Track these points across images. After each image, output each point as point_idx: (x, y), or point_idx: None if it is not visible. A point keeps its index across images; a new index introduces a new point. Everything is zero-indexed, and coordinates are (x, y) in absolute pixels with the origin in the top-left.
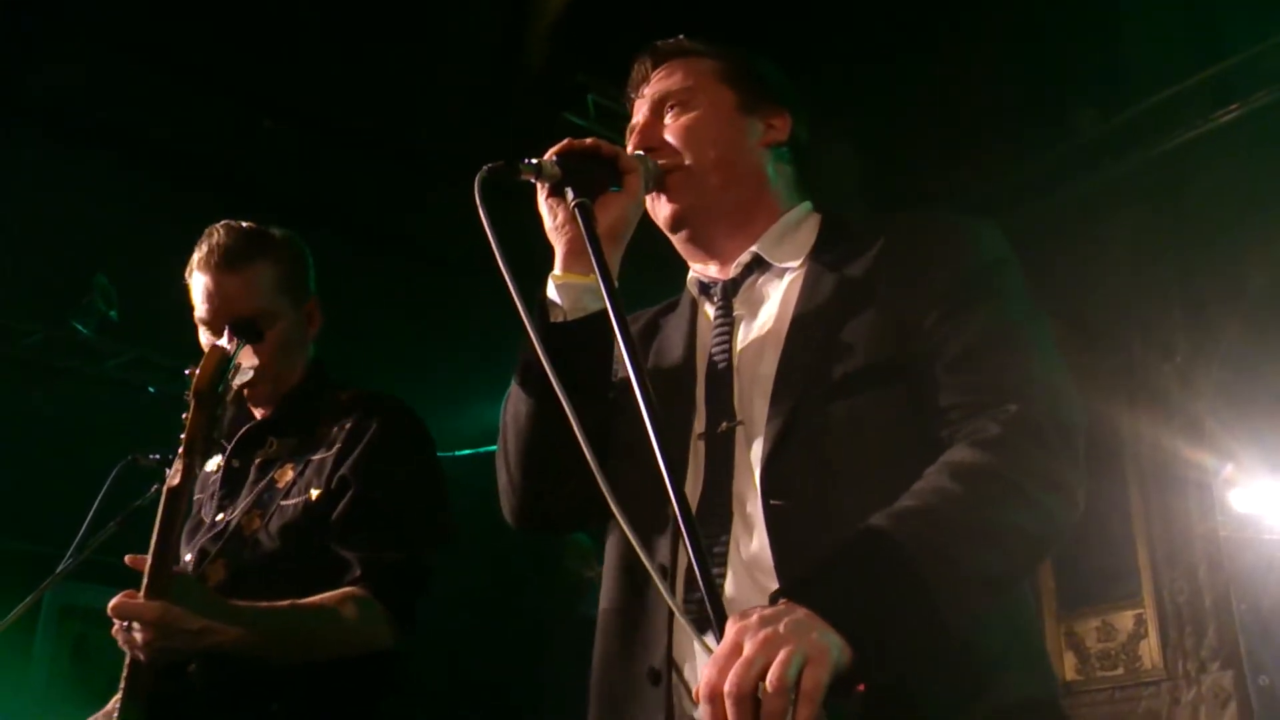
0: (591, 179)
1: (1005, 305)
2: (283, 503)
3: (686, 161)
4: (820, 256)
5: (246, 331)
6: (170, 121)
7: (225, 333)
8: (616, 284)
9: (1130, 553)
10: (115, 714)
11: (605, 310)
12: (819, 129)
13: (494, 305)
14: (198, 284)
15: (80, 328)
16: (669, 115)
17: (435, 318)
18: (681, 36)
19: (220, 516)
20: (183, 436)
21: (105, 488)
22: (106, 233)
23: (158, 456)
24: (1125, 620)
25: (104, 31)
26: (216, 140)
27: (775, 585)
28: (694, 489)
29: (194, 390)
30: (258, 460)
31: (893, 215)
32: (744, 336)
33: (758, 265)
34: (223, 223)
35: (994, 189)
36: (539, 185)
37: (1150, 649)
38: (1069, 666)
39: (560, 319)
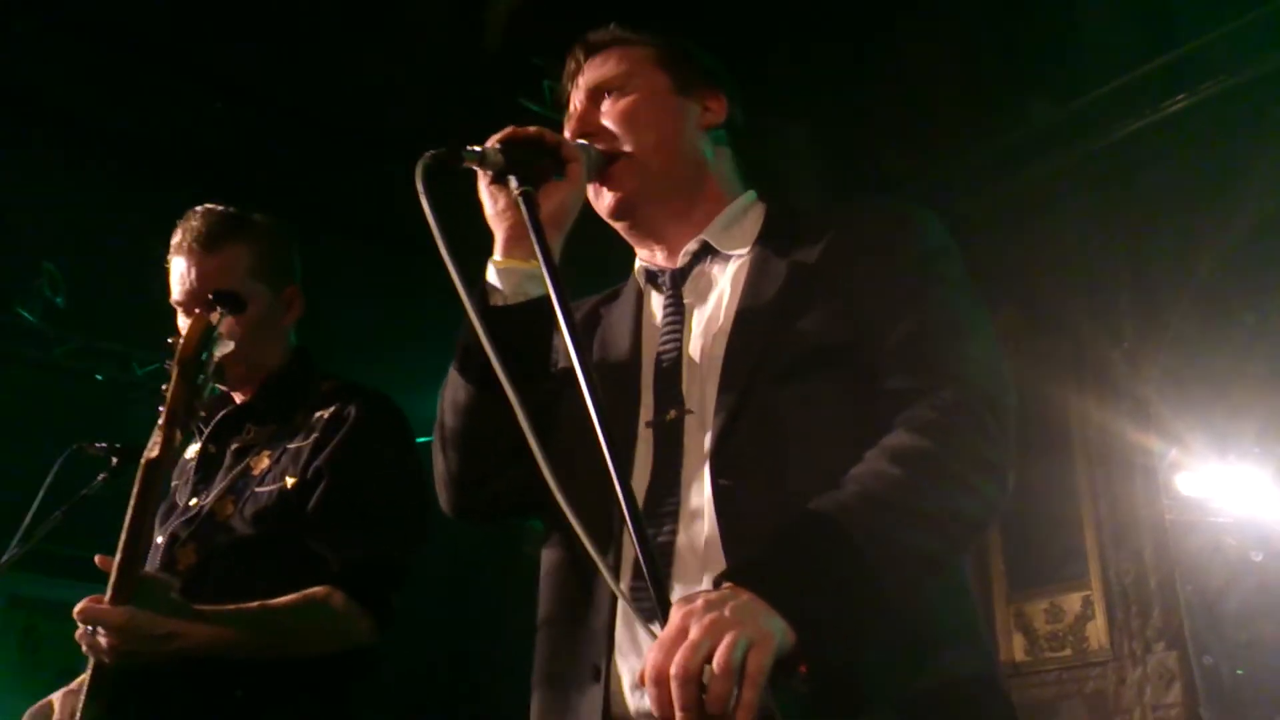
0: (534, 167)
1: (949, 293)
2: (257, 489)
3: (627, 147)
4: (767, 243)
5: (229, 302)
6: (122, 106)
7: (207, 302)
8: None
9: (1078, 535)
10: (80, 699)
11: (546, 296)
12: (777, 110)
13: (448, 290)
14: (174, 268)
15: (26, 315)
16: (606, 102)
17: (389, 301)
18: (613, 25)
19: (194, 501)
20: (163, 409)
21: (51, 476)
22: (55, 219)
23: (105, 445)
24: (1073, 602)
25: (53, 13)
26: (169, 124)
27: (723, 568)
28: (642, 477)
29: (177, 359)
30: (234, 446)
31: (839, 202)
32: (694, 325)
33: (706, 253)
34: (202, 206)
35: (948, 174)
36: (481, 172)
37: (1097, 630)
38: (1018, 647)
39: (501, 303)
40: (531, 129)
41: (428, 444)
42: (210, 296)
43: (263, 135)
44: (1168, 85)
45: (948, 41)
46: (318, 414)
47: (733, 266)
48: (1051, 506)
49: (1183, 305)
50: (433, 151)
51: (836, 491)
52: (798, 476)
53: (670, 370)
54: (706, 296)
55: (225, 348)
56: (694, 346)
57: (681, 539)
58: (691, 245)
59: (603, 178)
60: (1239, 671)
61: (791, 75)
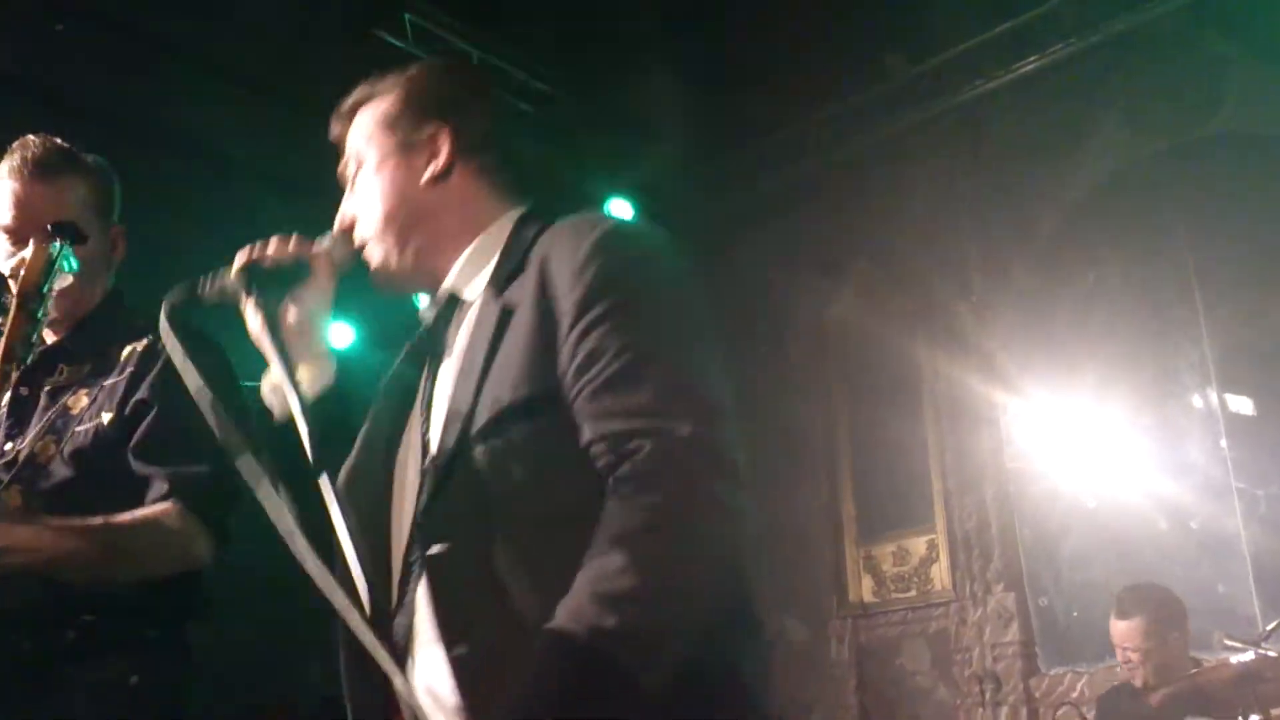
0: (278, 280)
1: (631, 325)
2: (77, 429)
3: (367, 233)
4: (492, 285)
5: (68, 232)
6: None
7: (44, 233)
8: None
9: (925, 482)
10: None
11: (318, 401)
12: (636, 61)
13: (283, 217)
14: (4, 190)
15: None
16: (351, 185)
17: (220, 226)
18: (362, 84)
19: (9, 446)
20: None
21: None
22: None
23: None
24: (919, 545)
25: None
26: (7, 44)
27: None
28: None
29: (19, 290)
30: (47, 387)
31: (556, 225)
32: (440, 375)
33: (452, 303)
34: (37, 135)
35: (805, 128)
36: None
37: (941, 572)
38: (866, 589)
39: (278, 421)
40: (272, 244)
41: (251, 389)
42: (49, 227)
43: (108, 60)
44: (1017, 47)
45: None
46: (130, 347)
47: (469, 313)
48: (900, 454)
49: (1026, 262)
50: (172, 298)
51: (573, 604)
52: (502, 538)
53: (426, 420)
54: (450, 347)
55: (64, 281)
56: (436, 397)
57: (411, 605)
58: (441, 295)
59: (359, 260)
60: (1074, 613)
61: (658, 22)
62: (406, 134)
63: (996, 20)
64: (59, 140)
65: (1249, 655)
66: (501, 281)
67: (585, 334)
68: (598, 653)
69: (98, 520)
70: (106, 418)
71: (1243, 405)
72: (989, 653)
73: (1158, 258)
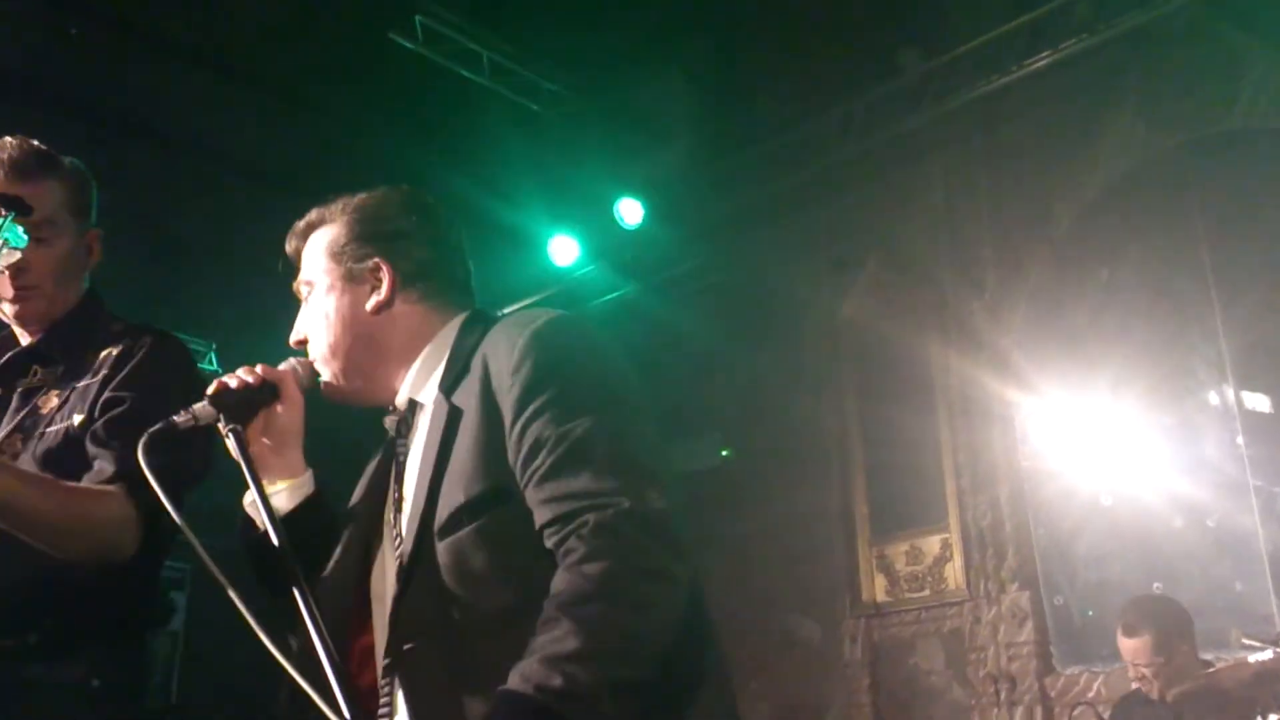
0: (248, 403)
1: (564, 416)
2: (46, 429)
3: (318, 354)
4: (443, 388)
5: (13, 205)
6: None
7: None
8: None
9: (939, 481)
10: None
11: (297, 512)
12: (652, 58)
13: (290, 218)
14: None
15: None
16: (305, 301)
17: (225, 227)
18: (316, 207)
19: None
20: None
21: None
22: None
23: None
24: (932, 544)
25: None
26: (21, 46)
27: None
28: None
29: None
30: (20, 389)
31: (495, 327)
32: (406, 477)
33: (412, 407)
34: (15, 138)
35: (819, 124)
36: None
37: (955, 571)
38: (879, 588)
39: (259, 532)
40: (239, 374)
41: None
42: None
43: (118, 63)
44: (1031, 43)
45: None
46: (106, 351)
47: (424, 417)
48: (913, 453)
49: (1041, 258)
50: (149, 432)
51: (523, 666)
52: (462, 631)
53: (399, 517)
54: (412, 451)
55: (10, 258)
56: (406, 495)
57: (393, 702)
58: (400, 402)
59: (320, 379)
60: (1089, 612)
61: (665, 20)
62: (350, 265)
63: (1010, 15)
64: (36, 142)
65: (1267, 654)
66: (449, 385)
67: (526, 428)
68: (543, 710)
69: (48, 476)
70: (77, 419)
71: (1259, 402)
72: (1004, 652)
73: (1174, 254)
